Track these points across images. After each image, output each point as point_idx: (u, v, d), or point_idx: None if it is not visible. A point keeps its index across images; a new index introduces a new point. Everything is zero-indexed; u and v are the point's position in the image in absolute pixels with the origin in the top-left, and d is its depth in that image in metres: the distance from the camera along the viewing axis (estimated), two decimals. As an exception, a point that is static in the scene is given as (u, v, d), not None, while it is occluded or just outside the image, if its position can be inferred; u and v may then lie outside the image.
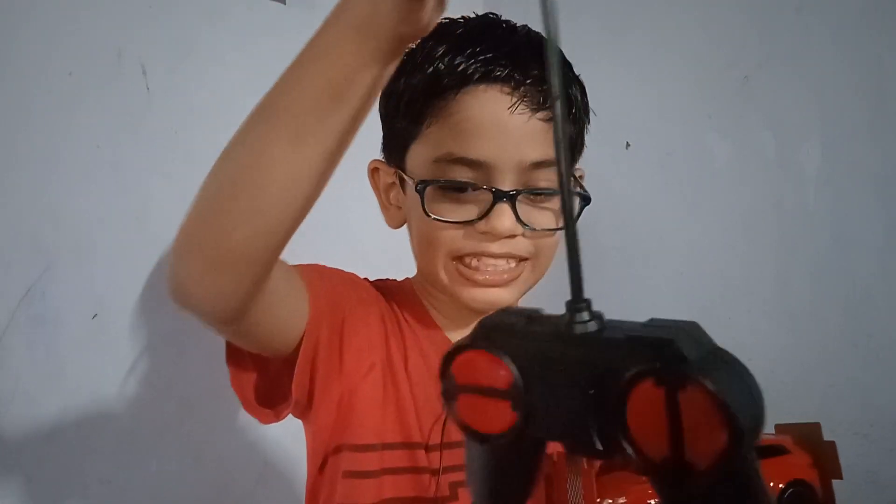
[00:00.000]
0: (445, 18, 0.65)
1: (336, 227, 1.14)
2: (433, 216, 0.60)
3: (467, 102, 0.59)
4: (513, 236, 0.61)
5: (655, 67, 1.13)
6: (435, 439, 0.64)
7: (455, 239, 0.61)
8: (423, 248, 0.65)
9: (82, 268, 0.87)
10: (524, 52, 0.59)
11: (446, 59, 0.59)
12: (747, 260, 1.01)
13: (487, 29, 0.62)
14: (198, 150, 0.99)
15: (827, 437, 0.58)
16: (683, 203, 1.09)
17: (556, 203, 0.62)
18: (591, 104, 0.67)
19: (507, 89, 0.58)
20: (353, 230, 1.16)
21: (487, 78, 0.58)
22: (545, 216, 0.62)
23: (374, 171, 0.69)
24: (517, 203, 0.59)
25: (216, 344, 1.00)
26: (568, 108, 0.62)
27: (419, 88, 0.60)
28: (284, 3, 1.08)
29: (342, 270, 0.69)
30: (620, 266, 1.16)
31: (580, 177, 0.69)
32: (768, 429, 0.62)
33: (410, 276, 0.75)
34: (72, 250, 0.86)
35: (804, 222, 0.96)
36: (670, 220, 1.10)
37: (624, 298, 1.18)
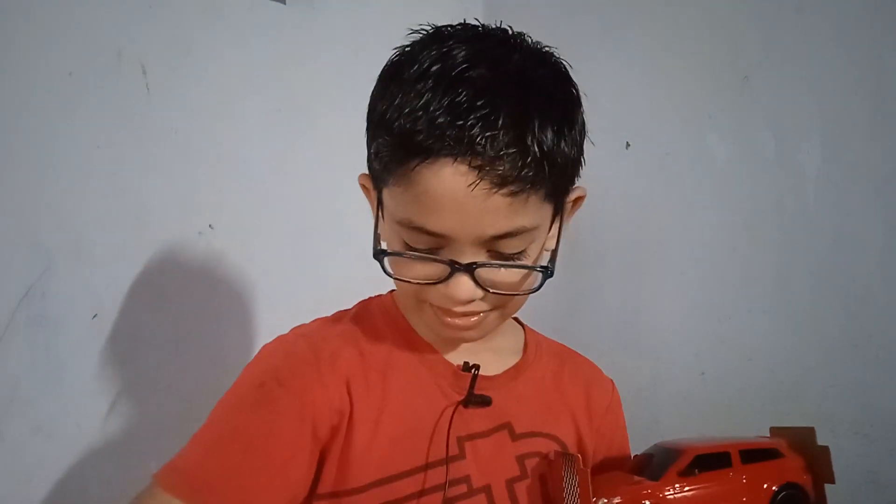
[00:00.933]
0: (465, 25, 0.61)
1: (336, 228, 1.14)
2: (396, 277, 0.61)
3: (426, 176, 0.55)
4: (472, 300, 0.61)
5: (655, 67, 1.13)
6: (434, 456, 0.64)
7: (420, 292, 0.62)
8: (397, 287, 0.66)
9: (82, 268, 0.87)
10: (506, 108, 0.54)
11: (423, 108, 0.54)
12: (747, 260, 1.01)
13: (476, 65, 0.56)
14: (197, 150, 0.99)
15: (827, 437, 0.58)
16: (683, 203, 1.09)
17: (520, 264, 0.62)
18: (591, 104, 0.66)
19: (464, 168, 0.54)
20: (353, 230, 1.15)
21: (455, 150, 0.54)
22: (510, 277, 0.61)
23: (362, 186, 0.68)
24: (477, 269, 0.59)
25: (216, 344, 1.01)
26: (558, 175, 0.58)
27: (388, 141, 0.57)
28: (284, 3, 1.08)
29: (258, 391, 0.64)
30: (620, 266, 1.16)
31: (578, 199, 0.66)
32: (763, 431, 0.62)
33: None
34: (72, 250, 0.86)
35: (804, 222, 0.96)
36: (670, 220, 1.10)
37: (624, 299, 1.19)
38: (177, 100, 0.96)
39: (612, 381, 0.79)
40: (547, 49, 0.62)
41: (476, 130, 0.54)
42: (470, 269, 0.58)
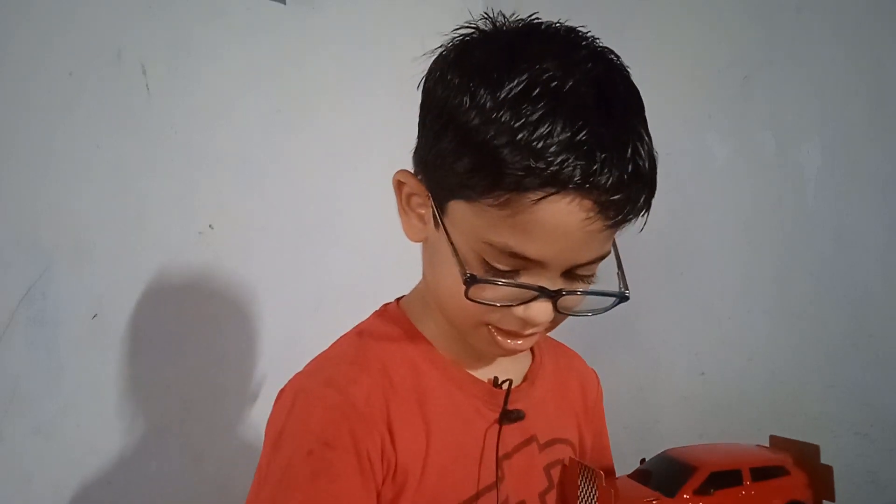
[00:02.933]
0: (535, 16, 0.58)
1: (336, 228, 1.14)
2: (476, 300, 0.57)
3: (543, 208, 0.53)
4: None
5: (655, 67, 1.13)
6: (483, 482, 0.63)
7: (487, 313, 0.60)
8: (453, 304, 0.61)
9: (82, 268, 0.87)
10: (630, 146, 0.54)
11: (540, 140, 0.51)
12: (747, 260, 1.01)
13: (582, 85, 0.54)
14: (197, 150, 0.99)
15: (827, 437, 0.59)
16: (683, 203, 1.09)
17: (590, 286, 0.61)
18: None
19: (588, 203, 0.53)
20: (353, 230, 1.16)
21: (575, 189, 0.52)
22: (583, 301, 0.60)
23: (399, 184, 0.63)
24: (562, 296, 0.58)
25: (216, 344, 1.01)
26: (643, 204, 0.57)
27: (491, 162, 0.53)
28: (284, 3, 1.08)
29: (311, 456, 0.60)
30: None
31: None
32: (763, 432, 0.63)
33: (409, 274, 0.70)
34: (72, 250, 0.86)
35: (804, 222, 0.96)
36: (670, 220, 1.10)
37: (624, 298, 1.18)
38: (177, 100, 0.96)
39: (594, 371, 0.78)
40: (612, 56, 0.60)
41: (603, 176, 0.52)
42: (556, 295, 0.57)
